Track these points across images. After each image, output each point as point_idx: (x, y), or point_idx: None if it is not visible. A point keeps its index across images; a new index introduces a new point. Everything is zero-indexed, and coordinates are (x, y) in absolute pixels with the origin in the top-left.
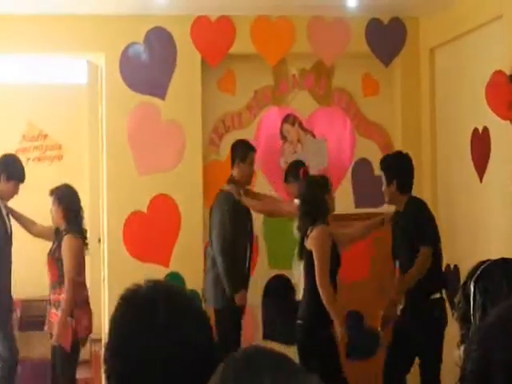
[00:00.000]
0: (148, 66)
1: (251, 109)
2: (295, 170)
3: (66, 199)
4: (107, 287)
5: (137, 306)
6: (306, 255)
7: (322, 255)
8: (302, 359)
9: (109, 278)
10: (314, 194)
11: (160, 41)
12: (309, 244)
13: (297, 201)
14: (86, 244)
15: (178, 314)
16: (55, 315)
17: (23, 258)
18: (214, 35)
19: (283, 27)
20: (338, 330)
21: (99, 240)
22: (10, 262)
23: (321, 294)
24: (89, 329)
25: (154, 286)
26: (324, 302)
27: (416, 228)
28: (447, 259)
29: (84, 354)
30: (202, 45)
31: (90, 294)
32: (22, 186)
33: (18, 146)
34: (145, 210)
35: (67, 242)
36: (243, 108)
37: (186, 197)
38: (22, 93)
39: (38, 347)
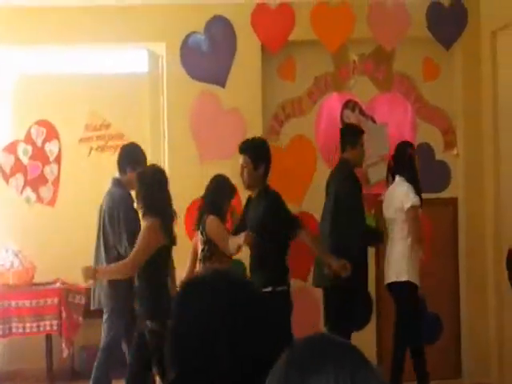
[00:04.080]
0: (208, 55)
1: (311, 95)
2: None
3: None
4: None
5: (197, 291)
6: None
7: None
8: None
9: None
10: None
11: (220, 29)
12: None
13: None
14: None
15: (238, 300)
16: None
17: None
18: (273, 22)
19: (343, 13)
20: None
21: None
22: None
23: None
24: None
25: (215, 272)
26: None
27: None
28: (510, 243)
29: None
30: (262, 32)
31: None
32: (84, 176)
33: (82, 135)
34: None
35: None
36: (303, 94)
37: None
38: (85, 83)
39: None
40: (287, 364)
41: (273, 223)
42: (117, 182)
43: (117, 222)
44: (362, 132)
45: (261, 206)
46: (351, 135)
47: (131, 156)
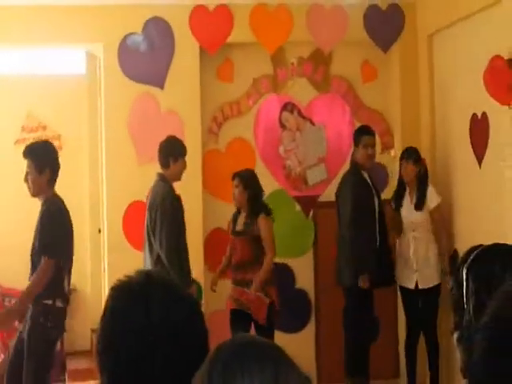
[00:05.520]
0: (146, 56)
1: (250, 97)
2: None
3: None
4: (107, 277)
5: (128, 297)
6: None
7: None
8: None
9: (109, 268)
10: None
11: (158, 30)
12: None
13: None
14: None
15: (170, 304)
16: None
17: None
18: (212, 24)
19: (281, 15)
20: None
21: (99, 230)
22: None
23: None
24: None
25: (145, 277)
26: None
27: None
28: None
29: (85, 343)
30: (200, 34)
31: (90, 284)
32: (21, 178)
33: (18, 137)
34: (144, 199)
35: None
36: (242, 96)
37: (185, 186)
38: (21, 84)
39: None
40: (211, 365)
41: None
42: (161, 177)
43: (154, 219)
44: (366, 133)
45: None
46: (357, 134)
47: (172, 148)
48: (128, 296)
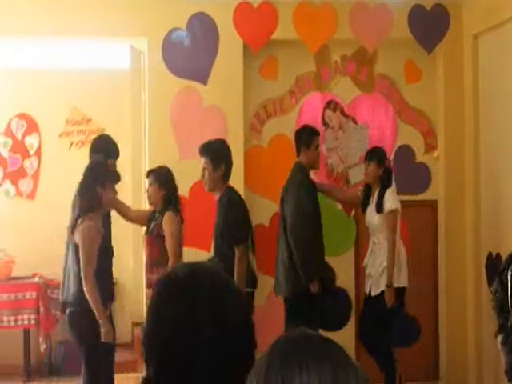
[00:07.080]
0: (190, 52)
1: (293, 95)
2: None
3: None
4: None
5: (175, 288)
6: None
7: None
8: None
9: None
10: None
11: (202, 26)
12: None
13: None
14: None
15: (217, 296)
16: None
17: None
18: (256, 21)
19: (325, 13)
20: None
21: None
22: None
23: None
24: None
25: (192, 269)
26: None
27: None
28: (490, 247)
29: (126, 336)
30: (244, 30)
31: (131, 279)
32: (65, 171)
33: (62, 130)
34: (186, 195)
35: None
36: (285, 94)
37: None
38: (66, 77)
39: None
40: (268, 361)
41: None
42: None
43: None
44: (317, 133)
45: (221, 211)
46: (306, 136)
47: (101, 146)
48: (173, 289)
